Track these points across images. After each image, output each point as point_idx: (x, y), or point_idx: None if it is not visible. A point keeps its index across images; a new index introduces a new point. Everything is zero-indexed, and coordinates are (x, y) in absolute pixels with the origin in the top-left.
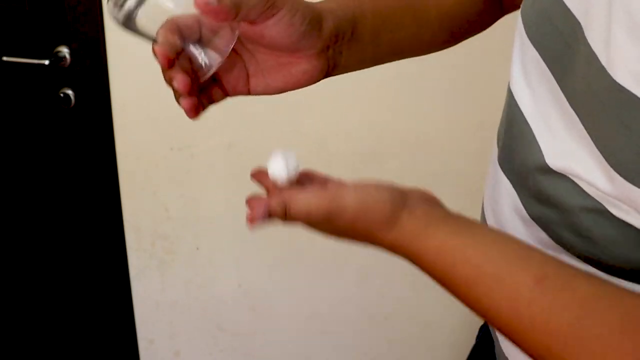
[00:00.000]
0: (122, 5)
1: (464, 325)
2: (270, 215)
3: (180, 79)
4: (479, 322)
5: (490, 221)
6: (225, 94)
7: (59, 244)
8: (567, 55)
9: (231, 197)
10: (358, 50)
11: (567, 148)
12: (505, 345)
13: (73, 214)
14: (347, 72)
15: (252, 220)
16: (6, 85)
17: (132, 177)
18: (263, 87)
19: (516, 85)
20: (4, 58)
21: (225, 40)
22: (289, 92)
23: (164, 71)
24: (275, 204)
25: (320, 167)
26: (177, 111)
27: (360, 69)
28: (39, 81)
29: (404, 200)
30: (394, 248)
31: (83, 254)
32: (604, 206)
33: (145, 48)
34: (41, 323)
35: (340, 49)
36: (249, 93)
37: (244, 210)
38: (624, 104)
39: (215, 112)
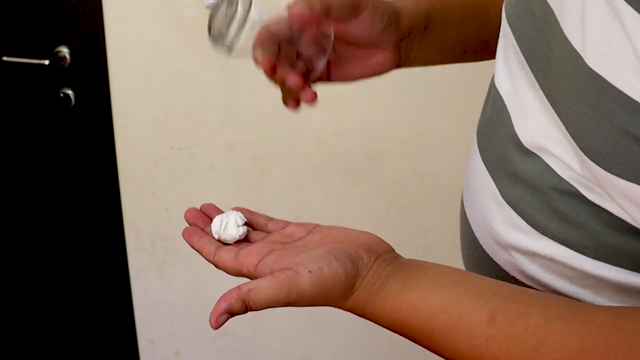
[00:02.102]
0: (223, 39)
1: None
2: (232, 312)
3: (293, 77)
4: None
5: (468, 209)
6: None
7: (59, 243)
8: (540, 40)
9: (231, 197)
10: (428, 44)
11: (541, 128)
12: None
13: (73, 214)
14: (415, 65)
15: (216, 322)
16: (6, 85)
17: (132, 177)
18: (341, 76)
19: (498, 71)
20: (4, 58)
21: (327, 41)
22: None
23: (269, 77)
24: (235, 305)
25: (320, 167)
26: (177, 111)
27: (426, 64)
28: (39, 81)
29: (355, 269)
30: (352, 311)
31: (83, 254)
32: (577, 189)
33: (145, 48)
34: (41, 323)
35: (412, 43)
36: (328, 81)
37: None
38: (595, 88)
39: (215, 112)
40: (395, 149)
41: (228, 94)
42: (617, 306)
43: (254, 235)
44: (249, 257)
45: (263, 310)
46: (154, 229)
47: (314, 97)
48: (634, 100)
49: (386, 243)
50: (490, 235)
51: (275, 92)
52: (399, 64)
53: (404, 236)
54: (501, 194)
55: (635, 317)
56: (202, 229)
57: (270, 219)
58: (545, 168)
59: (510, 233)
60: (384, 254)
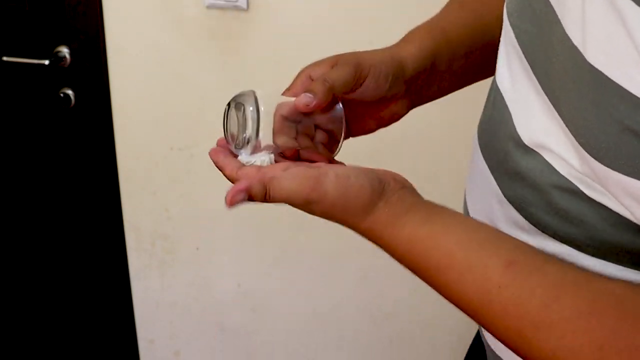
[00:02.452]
0: (246, 142)
1: (464, 325)
2: (250, 196)
3: (319, 163)
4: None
5: (470, 207)
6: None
7: (59, 243)
8: (540, 37)
9: None
10: (437, 81)
11: (542, 126)
12: (497, 347)
13: (73, 214)
14: (429, 101)
15: (231, 201)
16: (6, 85)
17: (132, 177)
18: (360, 130)
19: (499, 69)
20: (4, 58)
21: (339, 118)
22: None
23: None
24: (256, 186)
25: None
26: (177, 111)
27: (440, 96)
28: (39, 81)
29: (381, 187)
30: (367, 234)
31: (83, 254)
32: (577, 186)
33: (145, 48)
34: (41, 323)
35: (422, 84)
36: (348, 137)
37: (244, 211)
38: (595, 84)
39: (215, 112)
40: (395, 149)
41: (228, 94)
42: (635, 282)
43: None
44: (272, 168)
45: (263, 310)
46: (154, 229)
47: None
48: (635, 96)
49: (413, 186)
50: None
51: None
52: (413, 105)
53: None
54: (503, 193)
55: None
56: (230, 150)
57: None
58: (545, 165)
59: (511, 231)
60: (411, 188)
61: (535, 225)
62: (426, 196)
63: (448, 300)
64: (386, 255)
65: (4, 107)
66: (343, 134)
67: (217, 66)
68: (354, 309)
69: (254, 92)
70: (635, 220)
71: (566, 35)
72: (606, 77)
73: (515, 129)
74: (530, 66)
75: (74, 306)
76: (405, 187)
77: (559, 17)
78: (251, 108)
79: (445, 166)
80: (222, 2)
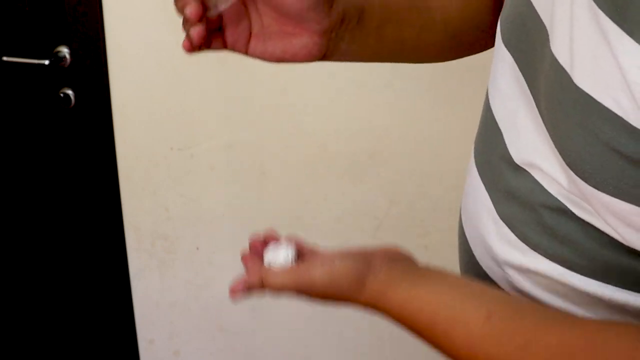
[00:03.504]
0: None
1: None
2: (249, 288)
3: (193, 7)
4: None
5: (465, 224)
6: (224, 46)
7: (59, 243)
8: (536, 57)
9: (231, 197)
10: (360, 39)
11: (532, 145)
12: None
13: (73, 214)
14: (343, 60)
15: (233, 293)
16: (6, 85)
17: (132, 177)
18: (261, 50)
19: (491, 87)
20: (4, 58)
21: None
22: (289, 91)
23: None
24: (253, 281)
25: (320, 167)
26: (177, 111)
27: (356, 60)
28: (39, 81)
29: (367, 264)
30: (368, 307)
31: (83, 253)
32: (566, 205)
33: (145, 48)
34: (41, 323)
35: (343, 35)
36: (246, 53)
37: (244, 211)
38: (581, 105)
39: (215, 112)
40: (395, 149)
41: (228, 94)
42: (607, 320)
43: None
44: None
45: (263, 310)
46: (154, 229)
47: (199, 38)
48: (620, 118)
49: (407, 253)
50: (486, 252)
51: (275, 92)
52: (325, 54)
53: (404, 236)
54: (497, 211)
55: (620, 329)
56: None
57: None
58: (535, 184)
59: (504, 249)
60: (402, 260)
61: (526, 244)
62: (425, 197)
63: (442, 354)
64: None
65: (4, 107)
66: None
67: (217, 66)
68: (353, 308)
69: None
70: (621, 240)
71: (553, 55)
72: (592, 98)
73: (506, 147)
74: (527, 85)
75: (74, 306)
76: (394, 261)
77: (549, 36)
78: None
79: (445, 166)
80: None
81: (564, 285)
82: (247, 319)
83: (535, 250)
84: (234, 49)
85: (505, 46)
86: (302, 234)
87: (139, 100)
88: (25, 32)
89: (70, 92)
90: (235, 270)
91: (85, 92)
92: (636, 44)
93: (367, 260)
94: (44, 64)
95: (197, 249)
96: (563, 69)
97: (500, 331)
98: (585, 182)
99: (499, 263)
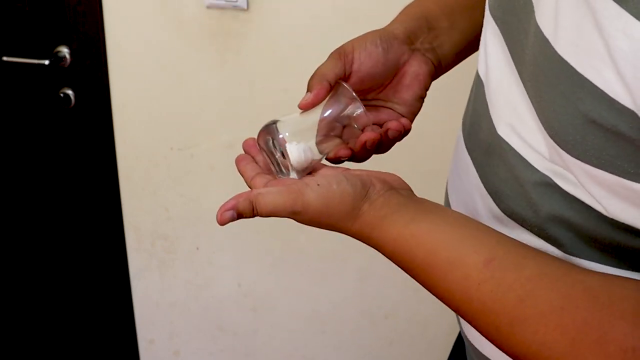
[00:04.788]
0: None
1: None
2: (238, 212)
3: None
4: None
5: (452, 199)
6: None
7: (59, 243)
8: (518, 28)
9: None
10: (445, 38)
11: (518, 117)
12: (476, 341)
13: (73, 214)
14: (455, 63)
15: (221, 218)
16: (6, 85)
17: (132, 177)
18: (407, 99)
19: (480, 60)
20: (4, 58)
21: (349, 96)
22: (289, 91)
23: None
24: (242, 203)
25: None
26: (177, 111)
27: (463, 56)
28: (39, 81)
29: (364, 191)
30: (357, 236)
31: (83, 253)
32: (551, 178)
33: (145, 48)
34: (41, 323)
35: (429, 44)
36: (403, 125)
37: None
38: (564, 75)
39: (215, 112)
40: (395, 149)
41: (228, 94)
42: (610, 273)
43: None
44: (257, 185)
45: (263, 310)
46: (154, 229)
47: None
48: (600, 90)
49: (406, 184)
50: None
51: (275, 92)
52: (437, 68)
53: None
54: (484, 185)
55: (624, 284)
56: (252, 157)
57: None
58: (518, 158)
59: (492, 224)
60: (400, 189)
61: (513, 219)
62: (425, 196)
63: (434, 296)
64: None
65: (4, 107)
66: (360, 106)
67: (217, 66)
68: (353, 309)
69: (275, 126)
70: (606, 214)
71: (538, 25)
72: (574, 69)
73: (491, 120)
74: (512, 57)
75: (74, 306)
76: (393, 189)
77: (534, 7)
78: (281, 149)
79: (445, 166)
80: (222, 2)
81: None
82: (247, 319)
83: (522, 225)
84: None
85: (492, 16)
86: (301, 234)
87: (139, 100)
88: (25, 32)
89: (70, 92)
90: (235, 270)
91: (85, 92)
92: (621, 8)
93: (365, 186)
94: (44, 64)
95: (197, 249)
96: (547, 39)
97: (500, 279)
98: (568, 153)
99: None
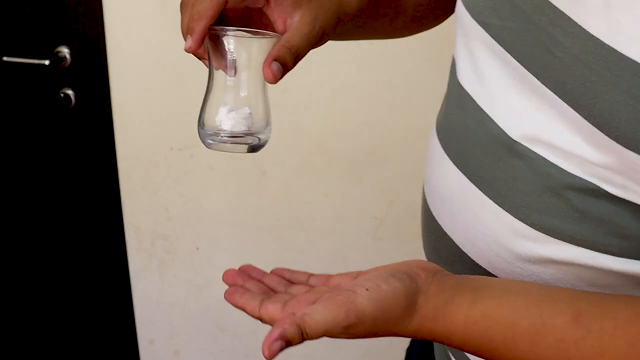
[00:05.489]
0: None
1: None
2: (287, 340)
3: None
4: None
5: (444, 218)
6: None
7: (59, 243)
8: (532, 32)
9: (231, 197)
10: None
11: (537, 124)
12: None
13: (73, 214)
14: (350, 31)
15: (269, 354)
16: (6, 85)
17: (132, 177)
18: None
19: (463, 71)
20: (4, 58)
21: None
22: (289, 91)
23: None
24: (289, 330)
25: (320, 167)
26: (177, 111)
27: (365, 33)
28: (39, 81)
29: (415, 284)
30: (419, 335)
31: (83, 253)
32: (595, 184)
33: (145, 48)
34: (41, 323)
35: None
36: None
37: (244, 211)
38: (629, 73)
39: None
40: (395, 149)
41: None
42: None
43: (297, 289)
44: (298, 304)
45: None
46: (154, 229)
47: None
48: None
49: (436, 265)
50: (486, 246)
51: (274, 92)
52: (324, 24)
53: (404, 236)
54: (495, 202)
55: None
56: (241, 286)
57: (311, 275)
58: (549, 166)
59: (513, 242)
60: (441, 271)
61: (545, 232)
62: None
63: None
64: (386, 255)
65: (4, 107)
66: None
67: None
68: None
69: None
70: None
71: (579, 26)
72: (638, 64)
73: (500, 129)
74: (520, 63)
75: (74, 306)
76: (437, 273)
77: (563, 9)
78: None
79: None
80: None
81: (591, 269)
82: (247, 319)
83: (558, 237)
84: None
85: (479, 23)
86: (302, 234)
87: (139, 100)
88: (26, 32)
89: (70, 92)
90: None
91: (85, 92)
92: None
93: (413, 279)
94: (44, 64)
95: (197, 249)
96: (598, 39)
97: (599, 332)
98: (634, 150)
99: (507, 258)
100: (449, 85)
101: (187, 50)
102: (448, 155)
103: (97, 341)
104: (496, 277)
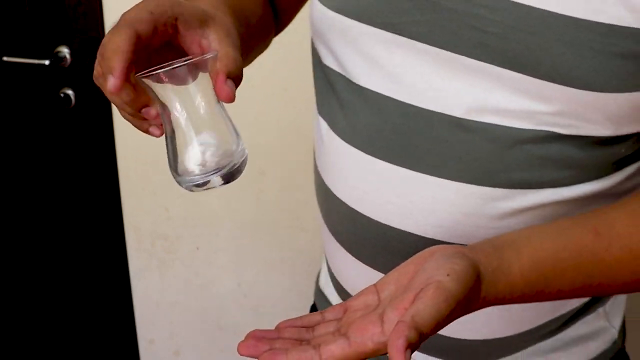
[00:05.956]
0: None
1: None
2: (412, 344)
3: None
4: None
5: (384, 214)
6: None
7: (59, 244)
8: (451, 18)
9: (231, 197)
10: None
11: (479, 95)
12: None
13: (73, 214)
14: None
15: None
16: (6, 85)
17: (132, 177)
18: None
19: (367, 79)
20: (4, 58)
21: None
22: (289, 91)
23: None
24: (409, 334)
25: None
26: None
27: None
28: (39, 81)
29: (468, 258)
30: (484, 302)
31: (83, 254)
32: (552, 131)
33: None
34: (41, 323)
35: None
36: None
37: (244, 211)
38: (565, 28)
39: None
40: None
41: None
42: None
43: (322, 328)
44: (364, 330)
45: (263, 310)
46: (154, 229)
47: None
48: (606, 24)
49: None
50: (454, 224)
51: (274, 92)
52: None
53: None
54: (454, 179)
55: None
56: (270, 350)
57: (322, 312)
58: (504, 130)
59: (483, 208)
60: (465, 246)
61: (510, 188)
62: None
63: (583, 294)
64: None
65: (4, 107)
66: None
67: None
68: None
69: None
70: (610, 133)
71: (508, 1)
72: (575, 18)
73: (439, 113)
74: (442, 48)
75: (74, 306)
76: (469, 247)
77: None
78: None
79: None
80: None
81: (553, 204)
82: (247, 319)
83: (524, 187)
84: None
85: (380, 27)
86: (302, 234)
87: None
88: (26, 32)
89: (70, 92)
90: (235, 270)
91: (85, 92)
92: None
93: (463, 255)
94: (44, 64)
95: (197, 249)
96: (528, 6)
97: (616, 236)
98: (589, 89)
99: (479, 223)
100: (340, 95)
101: (112, 91)
102: (379, 157)
103: (97, 341)
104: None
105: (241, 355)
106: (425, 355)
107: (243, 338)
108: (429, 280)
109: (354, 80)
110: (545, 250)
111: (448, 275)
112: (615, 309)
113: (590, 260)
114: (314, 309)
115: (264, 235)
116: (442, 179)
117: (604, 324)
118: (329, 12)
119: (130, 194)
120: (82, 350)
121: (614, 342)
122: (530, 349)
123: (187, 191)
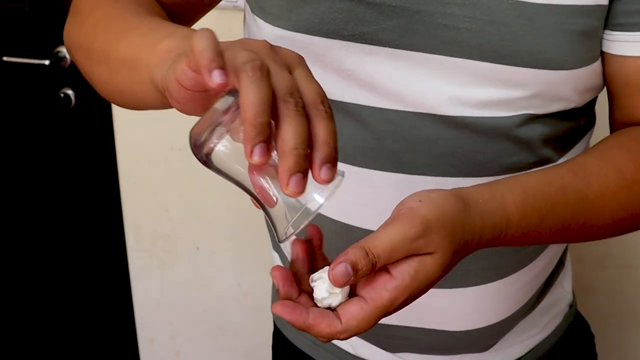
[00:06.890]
0: (201, 147)
1: None
2: (353, 264)
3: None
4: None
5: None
6: None
7: (59, 244)
8: (420, 20)
9: (231, 197)
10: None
11: (455, 92)
12: None
13: (73, 214)
14: None
15: (333, 278)
16: (6, 85)
17: (132, 177)
18: None
19: (340, 94)
20: (4, 58)
21: None
22: None
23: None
24: (352, 252)
25: None
26: (177, 111)
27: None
28: (39, 81)
29: (454, 190)
30: (484, 234)
31: (83, 254)
32: (530, 113)
33: None
34: (41, 323)
35: None
36: None
37: (244, 211)
38: (532, 15)
39: None
40: None
41: None
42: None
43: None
44: (374, 283)
45: (263, 310)
46: (154, 229)
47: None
48: (572, 5)
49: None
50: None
51: None
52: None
53: None
54: (452, 175)
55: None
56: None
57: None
58: (489, 120)
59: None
60: (441, 191)
61: (503, 174)
62: None
63: (579, 240)
64: None
65: (4, 107)
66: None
67: None
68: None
69: None
70: (575, 105)
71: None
72: (545, 4)
73: (425, 114)
74: (414, 50)
75: (74, 306)
76: (456, 189)
77: None
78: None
79: None
80: (222, 2)
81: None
82: (247, 319)
83: (513, 171)
84: None
85: (349, 40)
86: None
87: None
88: (26, 32)
89: (70, 92)
90: (235, 270)
91: (85, 92)
92: None
93: (444, 189)
94: (44, 64)
95: (197, 249)
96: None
97: (593, 175)
98: (560, 69)
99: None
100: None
101: (216, 88)
102: (370, 167)
103: (98, 341)
104: None
105: (273, 312)
106: (416, 355)
107: (243, 338)
108: (401, 207)
109: (329, 97)
110: (534, 187)
111: (420, 201)
112: (567, 275)
113: (574, 198)
114: None
115: (264, 235)
116: (438, 177)
117: (561, 290)
118: (285, 33)
119: (130, 194)
120: (82, 350)
121: (571, 305)
122: (512, 332)
123: (187, 191)
